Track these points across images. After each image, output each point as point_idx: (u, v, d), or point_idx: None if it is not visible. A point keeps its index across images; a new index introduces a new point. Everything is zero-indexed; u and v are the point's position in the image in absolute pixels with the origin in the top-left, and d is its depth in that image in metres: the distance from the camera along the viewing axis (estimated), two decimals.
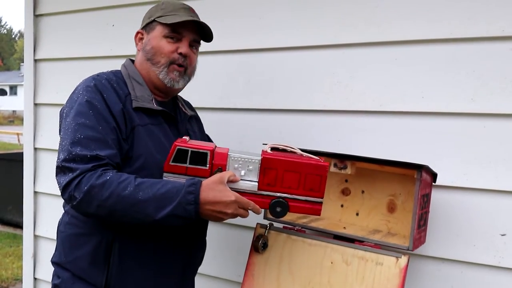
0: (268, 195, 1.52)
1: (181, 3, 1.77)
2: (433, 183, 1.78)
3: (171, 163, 1.50)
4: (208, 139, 2.00)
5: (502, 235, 1.77)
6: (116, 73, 1.73)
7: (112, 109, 1.57)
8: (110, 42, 2.65)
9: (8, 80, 51.30)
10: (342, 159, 1.74)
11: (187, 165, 1.50)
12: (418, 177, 1.62)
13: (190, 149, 1.50)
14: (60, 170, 1.50)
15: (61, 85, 2.85)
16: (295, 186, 1.51)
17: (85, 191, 1.44)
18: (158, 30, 1.72)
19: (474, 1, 1.80)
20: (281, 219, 1.81)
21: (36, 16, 2.94)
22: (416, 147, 1.89)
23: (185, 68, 1.74)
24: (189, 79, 1.80)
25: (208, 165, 1.51)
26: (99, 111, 1.55)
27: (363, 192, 1.93)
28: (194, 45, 1.78)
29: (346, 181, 1.96)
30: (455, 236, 1.83)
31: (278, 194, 1.52)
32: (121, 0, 2.61)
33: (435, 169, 1.74)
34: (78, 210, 1.52)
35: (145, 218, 1.45)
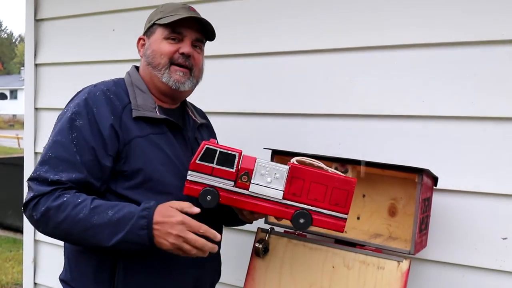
0: (292, 205, 1.48)
1: (180, 3, 1.71)
2: (434, 187, 1.78)
3: (197, 162, 1.47)
4: None
5: (504, 238, 1.77)
6: (118, 82, 1.68)
7: (100, 125, 1.51)
8: (111, 46, 2.66)
9: (8, 84, 51.37)
10: (343, 163, 1.74)
11: (214, 165, 1.47)
12: (419, 181, 1.62)
13: (219, 149, 1.47)
14: (27, 185, 1.52)
15: (62, 89, 2.84)
16: (321, 199, 1.47)
17: (42, 212, 1.44)
18: (158, 33, 1.66)
19: (473, 6, 1.80)
20: (281, 222, 1.82)
21: (37, 20, 2.94)
22: (417, 150, 1.89)
23: (189, 68, 1.66)
24: (197, 82, 1.72)
25: (235, 168, 1.47)
26: (79, 130, 1.50)
27: (364, 196, 1.93)
28: (198, 45, 1.69)
29: None
30: (457, 240, 1.83)
31: (303, 206, 1.48)
32: (122, 5, 2.61)
33: (436, 173, 1.74)
34: (37, 229, 1.53)
35: (98, 243, 1.42)
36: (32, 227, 2.94)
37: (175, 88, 1.64)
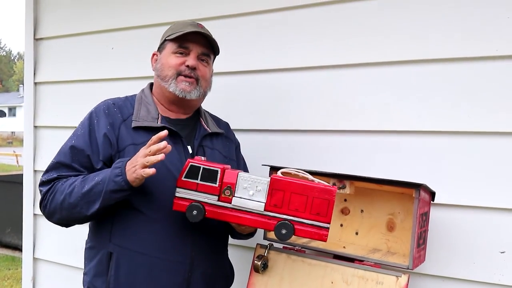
0: (274, 217, 1.52)
1: (190, 21, 1.85)
2: (432, 202, 1.79)
3: (183, 179, 1.57)
4: (243, 162, 2.00)
5: (502, 252, 1.77)
6: (129, 97, 1.85)
7: (96, 133, 1.71)
8: (110, 65, 2.68)
9: (7, 102, 51.46)
10: (341, 178, 1.75)
11: (198, 181, 1.56)
12: (417, 195, 1.63)
13: (202, 166, 1.56)
14: (39, 191, 1.76)
15: (61, 107, 2.87)
16: (302, 209, 1.50)
17: (50, 199, 1.68)
18: (168, 48, 1.80)
19: (469, 23, 1.83)
20: None
21: (36, 39, 2.97)
22: (414, 165, 1.91)
23: (196, 79, 1.77)
24: (205, 92, 1.84)
25: (218, 183, 1.54)
26: (78, 137, 1.73)
27: (362, 211, 1.94)
28: (204, 58, 1.81)
29: (345, 200, 1.97)
30: (455, 254, 1.84)
31: (284, 216, 1.52)
32: (120, 24, 2.64)
33: (433, 188, 1.75)
34: (51, 218, 1.74)
35: (94, 204, 1.61)
36: (32, 245, 2.96)
37: (182, 96, 1.76)
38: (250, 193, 1.54)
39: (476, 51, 1.82)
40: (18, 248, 7.13)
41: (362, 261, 1.70)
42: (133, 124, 1.73)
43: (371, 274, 1.64)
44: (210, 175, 1.55)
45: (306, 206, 1.50)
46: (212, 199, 1.56)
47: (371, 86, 2.00)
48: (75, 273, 2.79)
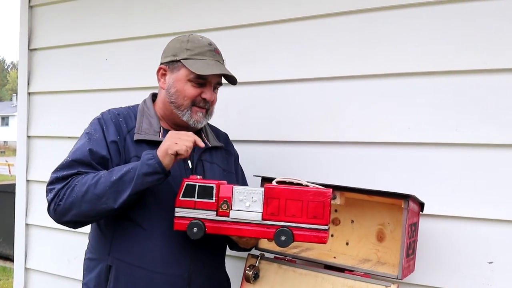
0: (272, 225, 1.54)
1: (206, 42, 1.77)
2: (421, 212, 1.82)
3: (181, 198, 1.60)
4: (241, 173, 2.01)
5: (490, 263, 1.80)
6: (132, 108, 1.83)
7: (107, 140, 1.69)
8: (104, 75, 2.70)
9: (0, 111, 51.21)
10: (332, 189, 1.77)
11: (196, 199, 1.59)
12: (406, 206, 1.65)
13: (197, 184, 1.60)
14: (46, 191, 1.67)
15: (54, 118, 2.88)
16: (299, 214, 1.52)
17: (68, 193, 1.60)
18: (183, 73, 1.72)
19: (457, 37, 1.86)
20: (273, 249, 1.84)
21: (31, 50, 2.99)
22: (403, 177, 1.93)
23: (206, 110, 1.77)
24: (210, 118, 1.83)
25: (214, 198, 1.58)
26: (94, 141, 1.69)
27: (352, 221, 1.96)
28: (217, 87, 1.80)
29: (336, 211, 1.99)
30: (443, 264, 1.86)
31: (282, 223, 1.54)
32: (114, 35, 2.66)
33: (422, 198, 1.78)
34: (66, 216, 1.63)
35: (123, 194, 1.56)
36: (23, 255, 2.95)
37: (193, 126, 1.76)
38: (247, 204, 1.56)
39: (464, 65, 1.86)
40: (10, 258, 7.08)
41: (352, 271, 1.72)
42: (135, 137, 1.72)
43: (361, 284, 1.66)
44: (206, 192, 1.59)
45: (303, 211, 1.52)
46: (210, 215, 1.58)
47: (361, 98, 2.03)
48: (67, 283, 2.79)
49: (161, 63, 1.79)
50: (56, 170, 1.66)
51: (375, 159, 1.99)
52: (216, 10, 2.36)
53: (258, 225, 1.55)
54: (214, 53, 1.76)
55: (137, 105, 1.85)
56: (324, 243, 1.52)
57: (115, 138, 1.69)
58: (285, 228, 1.52)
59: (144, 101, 1.85)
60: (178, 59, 1.73)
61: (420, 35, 1.92)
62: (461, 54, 1.86)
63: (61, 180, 1.63)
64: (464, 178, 1.84)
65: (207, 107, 1.77)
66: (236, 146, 2.05)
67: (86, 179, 1.59)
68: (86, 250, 1.82)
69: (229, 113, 2.30)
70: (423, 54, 1.92)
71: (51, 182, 1.65)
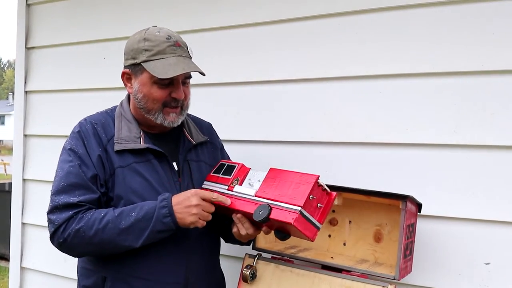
0: (260, 201, 1.60)
1: (164, 37, 1.64)
2: (418, 213, 1.82)
3: (211, 174, 1.80)
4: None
5: (487, 264, 1.80)
6: (109, 112, 1.77)
7: (91, 156, 1.65)
8: (101, 75, 2.69)
9: None
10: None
11: (219, 175, 1.78)
12: (403, 207, 1.65)
13: (226, 164, 1.80)
14: (48, 220, 1.63)
15: (51, 116, 2.87)
16: (284, 194, 1.56)
17: (72, 234, 1.57)
18: (147, 76, 1.63)
19: (455, 38, 1.87)
20: (270, 249, 1.84)
21: (28, 48, 2.98)
22: (401, 177, 1.93)
23: (181, 106, 1.70)
24: (186, 113, 1.76)
25: (232, 176, 1.74)
26: (81, 158, 1.64)
27: (350, 222, 1.96)
28: (186, 81, 1.70)
29: (334, 211, 1.99)
30: (441, 265, 1.86)
31: (267, 201, 1.58)
32: (112, 34, 2.66)
33: (420, 199, 1.78)
34: (71, 253, 1.65)
35: (131, 244, 1.57)
36: (19, 254, 2.94)
37: (169, 127, 1.71)
38: (252, 183, 1.68)
39: (461, 66, 1.86)
40: (4, 258, 7.05)
41: (350, 271, 1.72)
42: (116, 147, 1.66)
43: (358, 285, 1.66)
44: (228, 170, 1.76)
45: (288, 191, 1.56)
46: (223, 188, 1.72)
47: (358, 99, 2.03)
48: (63, 282, 2.78)
49: (124, 67, 1.70)
50: (54, 196, 1.61)
51: (373, 159, 1.99)
52: (215, 10, 2.36)
53: (249, 200, 1.63)
54: (175, 47, 1.63)
55: (115, 107, 1.78)
56: (290, 223, 1.48)
57: (98, 152, 1.64)
58: (266, 205, 1.56)
59: (121, 103, 1.78)
60: (138, 62, 1.63)
61: (418, 37, 1.92)
62: (458, 56, 1.86)
63: (61, 209, 1.58)
64: (462, 179, 1.84)
65: (180, 105, 1.69)
66: (235, 146, 2.05)
67: (93, 221, 1.56)
68: (78, 259, 1.78)
69: (228, 113, 2.30)
70: (421, 55, 1.92)
71: (51, 211, 1.61)
